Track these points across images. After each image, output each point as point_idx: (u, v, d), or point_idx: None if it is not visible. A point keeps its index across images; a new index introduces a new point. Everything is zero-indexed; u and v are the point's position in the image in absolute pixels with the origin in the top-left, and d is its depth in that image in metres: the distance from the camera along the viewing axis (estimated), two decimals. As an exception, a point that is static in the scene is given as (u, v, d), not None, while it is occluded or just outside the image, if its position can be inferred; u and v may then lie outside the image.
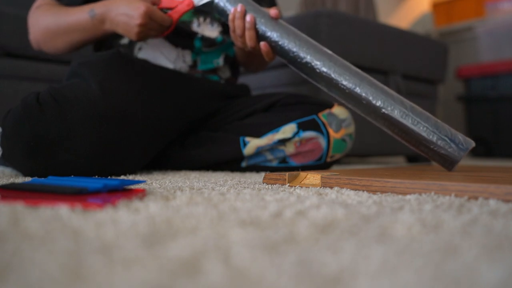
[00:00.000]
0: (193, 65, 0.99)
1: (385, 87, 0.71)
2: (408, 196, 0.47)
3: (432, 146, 0.66)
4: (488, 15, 2.72)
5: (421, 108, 1.91)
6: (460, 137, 0.66)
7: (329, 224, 0.32)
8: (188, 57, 0.97)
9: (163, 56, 0.95)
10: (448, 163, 0.66)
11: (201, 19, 0.96)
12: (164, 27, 0.83)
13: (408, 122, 0.66)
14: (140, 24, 0.80)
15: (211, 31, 0.97)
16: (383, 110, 0.68)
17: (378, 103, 0.68)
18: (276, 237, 0.28)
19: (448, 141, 0.65)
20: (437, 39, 1.86)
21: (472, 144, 0.66)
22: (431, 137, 0.66)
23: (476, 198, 0.46)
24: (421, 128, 0.66)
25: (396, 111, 0.67)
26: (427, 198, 0.46)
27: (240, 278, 0.20)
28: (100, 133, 0.72)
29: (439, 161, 0.67)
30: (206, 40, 0.96)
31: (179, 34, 0.95)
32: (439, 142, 0.65)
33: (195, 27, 0.95)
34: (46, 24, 0.89)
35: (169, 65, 0.96)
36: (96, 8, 0.85)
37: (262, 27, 0.77)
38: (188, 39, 0.95)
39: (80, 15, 0.86)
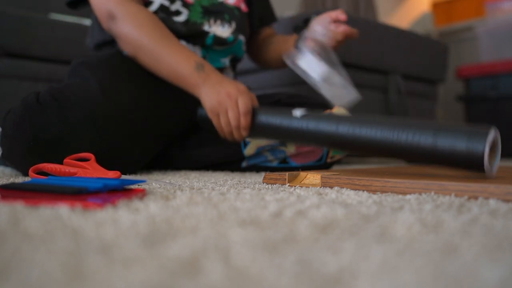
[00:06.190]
0: None
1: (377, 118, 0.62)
2: (408, 196, 0.47)
3: (437, 153, 0.53)
4: (488, 15, 2.72)
5: (421, 108, 1.88)
6: (470, 128, 0.52)
7: (329, 224, 0.32)
8: (198, 53, 0.97)
9: None
10: (474, 164, 0.52)
11: (212, 20, 0.96)
12: (238, 119, 0.76)
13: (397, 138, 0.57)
14: (228, 93, 0.76)
15: (222, 32, 0.97)
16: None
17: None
18: (276, 237, 0.28)
19: (458, 137, 0.51)
20: (437, 39, 1.86)
21: (491, 131, 0.51)
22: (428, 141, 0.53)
23: (476, 198, 0.46)
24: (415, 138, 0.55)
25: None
26: (427, 198, 0.46)
27: (240, 278, 0.20)
28: (100, 132, 0.72)
29: (463, 166, 0.53)
30: (218, 39, 0.96)
31: (192, 32, 0.94)
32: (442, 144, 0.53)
33: (206, 28, 0.94)
34: (144, 44, 0.82)
35: None
36: (205, 65, 0.81)
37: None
38: (201, 36, 0.95)
39: (185, 64, 0.80)
